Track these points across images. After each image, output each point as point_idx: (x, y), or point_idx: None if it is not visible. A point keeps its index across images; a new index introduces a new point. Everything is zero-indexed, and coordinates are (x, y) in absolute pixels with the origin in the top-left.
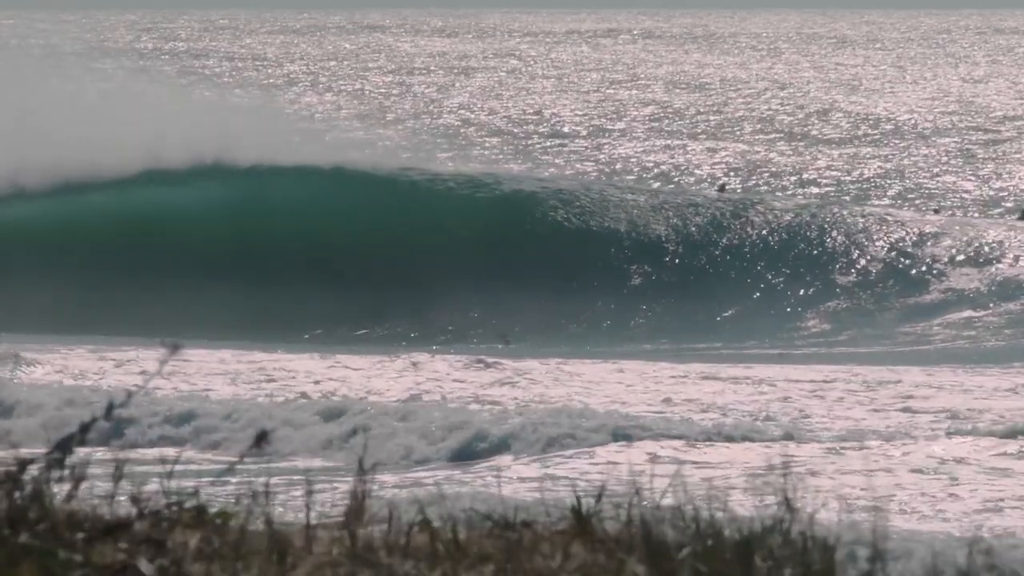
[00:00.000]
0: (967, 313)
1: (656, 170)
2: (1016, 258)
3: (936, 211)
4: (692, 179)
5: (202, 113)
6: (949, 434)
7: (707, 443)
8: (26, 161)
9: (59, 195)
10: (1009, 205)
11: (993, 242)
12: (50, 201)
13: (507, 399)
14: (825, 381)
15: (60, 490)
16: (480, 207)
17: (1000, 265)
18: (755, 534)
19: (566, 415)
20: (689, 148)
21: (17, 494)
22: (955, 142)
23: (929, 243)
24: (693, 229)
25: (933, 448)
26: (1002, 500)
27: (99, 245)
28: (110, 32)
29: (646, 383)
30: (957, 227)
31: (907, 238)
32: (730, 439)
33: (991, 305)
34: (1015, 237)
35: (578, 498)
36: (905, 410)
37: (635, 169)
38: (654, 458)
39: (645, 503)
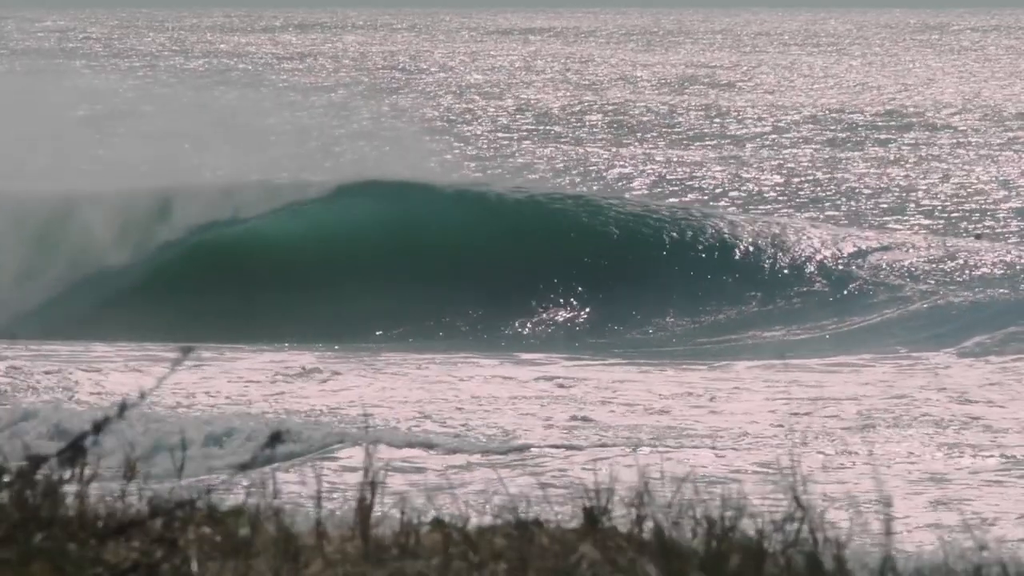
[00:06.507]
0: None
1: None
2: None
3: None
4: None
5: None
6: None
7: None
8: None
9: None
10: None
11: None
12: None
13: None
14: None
15: (72, 489)
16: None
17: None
18: (766, 533)
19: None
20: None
21: (29, 493)
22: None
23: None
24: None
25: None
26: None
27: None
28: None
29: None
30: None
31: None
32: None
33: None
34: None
35: (589, 497)
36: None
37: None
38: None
39: (657, 503)
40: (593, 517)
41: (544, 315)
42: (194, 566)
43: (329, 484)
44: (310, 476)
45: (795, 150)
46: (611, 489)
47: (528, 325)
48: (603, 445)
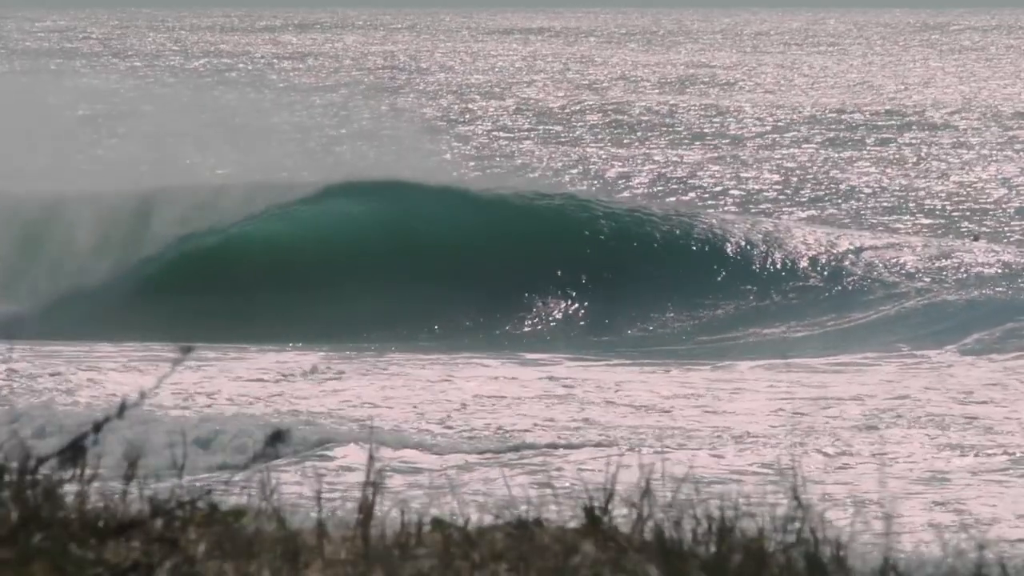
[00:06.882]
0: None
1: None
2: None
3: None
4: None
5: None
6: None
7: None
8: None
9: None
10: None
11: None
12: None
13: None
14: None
15: (73, 489)
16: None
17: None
18: (767, 533)
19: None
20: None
21: (29, 493)
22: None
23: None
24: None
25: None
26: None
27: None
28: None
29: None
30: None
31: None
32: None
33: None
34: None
35: (590, 497)
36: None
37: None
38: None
39: (657, 502)
40: (594, 517)
41: (545, 315)
42: (197, 565)
43: (328, 484)
44: (310, 476)
45: (795, 150)
46: (612, 489)
47: (529, 325)
48: (603, 445)
